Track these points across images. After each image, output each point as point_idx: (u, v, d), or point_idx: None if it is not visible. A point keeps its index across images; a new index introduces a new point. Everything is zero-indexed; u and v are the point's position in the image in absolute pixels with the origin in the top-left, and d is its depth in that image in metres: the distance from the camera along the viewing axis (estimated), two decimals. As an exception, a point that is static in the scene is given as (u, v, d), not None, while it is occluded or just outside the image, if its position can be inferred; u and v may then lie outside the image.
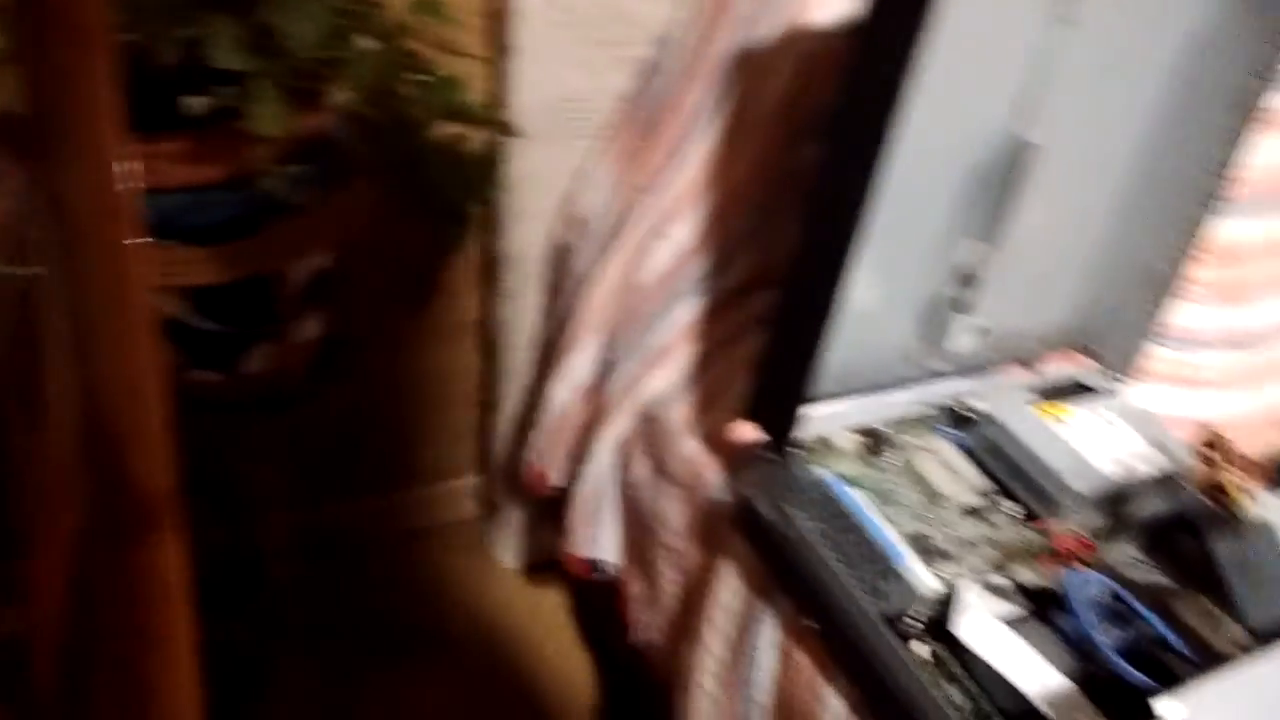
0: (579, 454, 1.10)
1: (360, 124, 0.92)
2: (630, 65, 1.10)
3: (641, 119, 1.06)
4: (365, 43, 0.88)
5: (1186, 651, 0.64)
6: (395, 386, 1.34)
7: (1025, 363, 0.92)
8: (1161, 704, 0.51)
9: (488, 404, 1.38)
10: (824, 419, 0.79)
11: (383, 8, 0.90)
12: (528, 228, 1.17)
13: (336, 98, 0.88)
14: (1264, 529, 0.59)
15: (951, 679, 0.66)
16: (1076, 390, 0.86)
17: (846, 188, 0.65)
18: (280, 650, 1.30)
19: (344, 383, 1.18)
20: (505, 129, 1.03)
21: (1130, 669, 0.60)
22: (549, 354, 1.18)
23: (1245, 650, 0.63)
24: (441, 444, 1.43)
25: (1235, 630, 0.65)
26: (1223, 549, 0.61)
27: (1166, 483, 0.77)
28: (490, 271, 1.24)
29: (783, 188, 0.95)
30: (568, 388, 1.10)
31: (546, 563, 1.40)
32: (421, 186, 0.93)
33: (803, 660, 0.78)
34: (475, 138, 1.00)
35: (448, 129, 0.95)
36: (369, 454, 1.38)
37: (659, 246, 0.99)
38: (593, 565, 1.11)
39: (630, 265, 1.02)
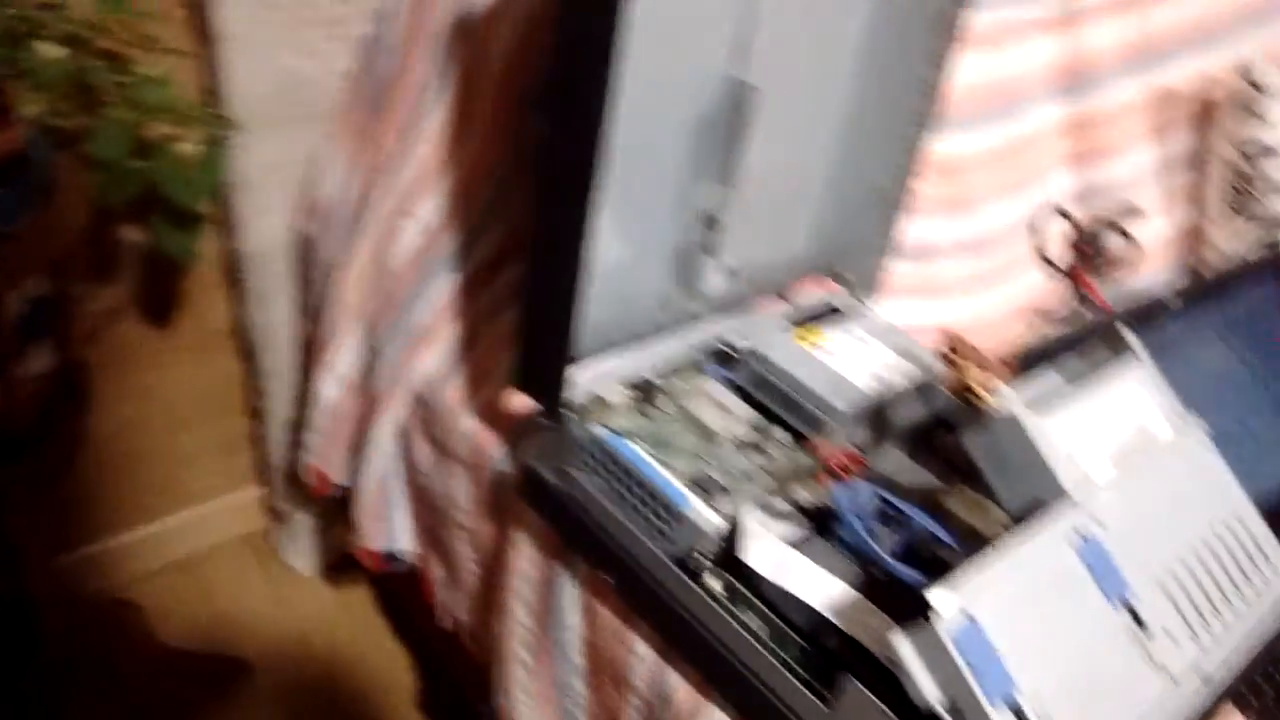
0: (357, 448, 1.07)
1: (60, 135, 0.85)
2: (351, 43, 1.06)
3: (369, 97, 1.02)
4: (50, 49, 0.81)
5: (957, 544, 0.68)
6: (154, 406, 1.26)
7: (780, 294, 0.95)
8: (933, 594, 0.54)
9: (257, 411, 1.32)
10: (593, 377, 0.79)
11: (64, 8, 0.83)
12: (268, 223, 1.12)
13: (27, 110, 0.81)
14: (1010, 420, 0.63)
15: (747, 606, 0.68)
16: (829, 314, 0.89)
17: (575, 147, 0.65)
18: (74, 702, 1.21)
19: (88, 413, 1.10)
20: (221, 122, 0.97)
21: (904, 569, 0.63)
22: (311, 351, 1.14)
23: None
24: (215, 459, 1.36)
25: (1002, 515, 0.70)
26: (975, 444, 0.65)
27: (920, 389, 0.82)
28: (235, 273, 1.18)
29: (520, 154, 0.94)
30: (335, 383, 1.06)
31: (344, 562, 1.36)
32: (137, 194, 0.87)
33: (606, 614, 0.78)
34: (192, 136, 0.94)
35: (160, 130, 0.89)
36: (138, 481, 1.30)
37: (406, 226, 0.96)
38: (389, 557, 1.09)
39: (379, 249, 0.99)
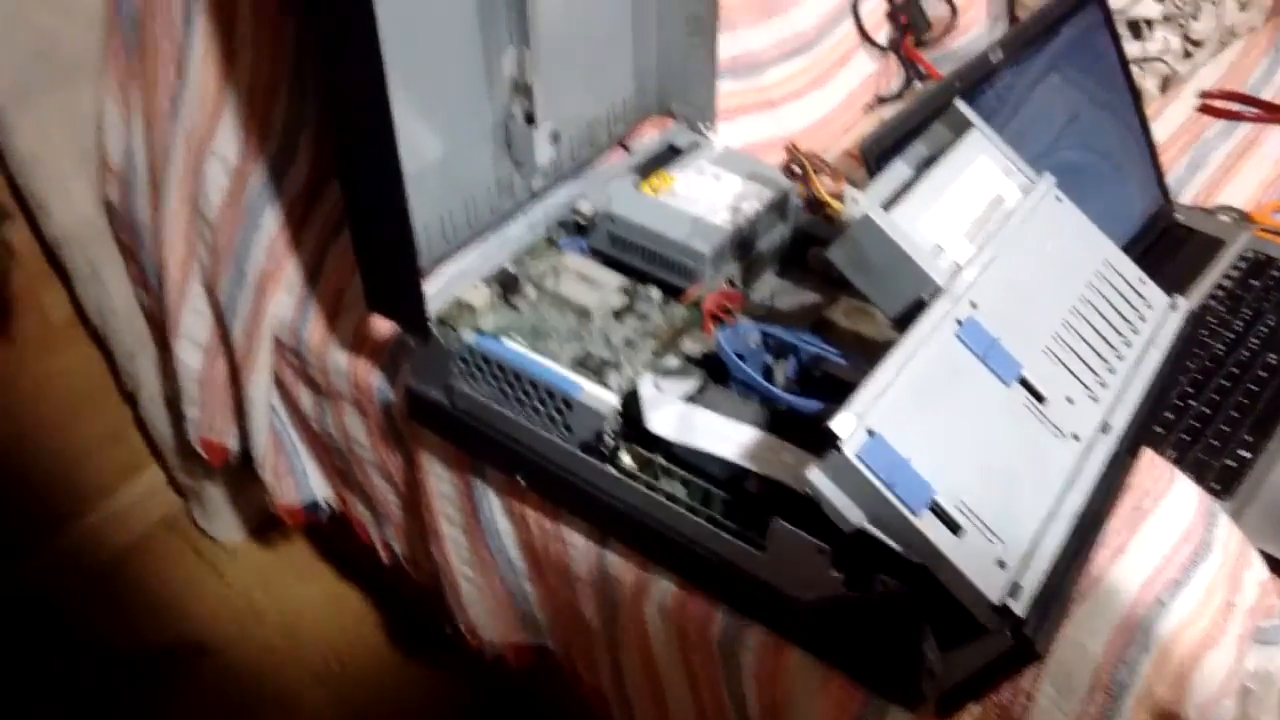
0: (239, 410, 1.02)
1: None
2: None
3: (129, 41, 0.93)
4: None
5: (848, 358, 0.67)
6: (21, 417, 1.19)
7: (623, 144, 0.91)
8: (832, 421, 0.53)
9: (129, 393, 1.26)
10: (450, 282, 0.76)
11: None
12: (68, 199, 1.03)
13: None
14: (865, 223, 0.61)
15: (663, 473, 0.67)
16: (672, 154, 0.86)
17: (350, 40, 0.59)
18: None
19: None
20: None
21: (799, 400, 0.63)
22: (159, 321, 1.08)
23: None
24: (106, 451, 1.31)
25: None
26: (838, 255, 0.63)
27: (777, 210, 0.80)
28: (54, 260, 1.10)
29: (301, 55, 0.87)
30: (193, 349, 1.01)
31: (270, 520, 1.33)
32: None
33: (532, 513, 0.78)
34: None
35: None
36: (32, 496, 1.24)
37: (211, 168, 0.89)
38: (310, 508, 1.06)
39: (192, 199, 0.92)
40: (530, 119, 0.79)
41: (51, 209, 1.03)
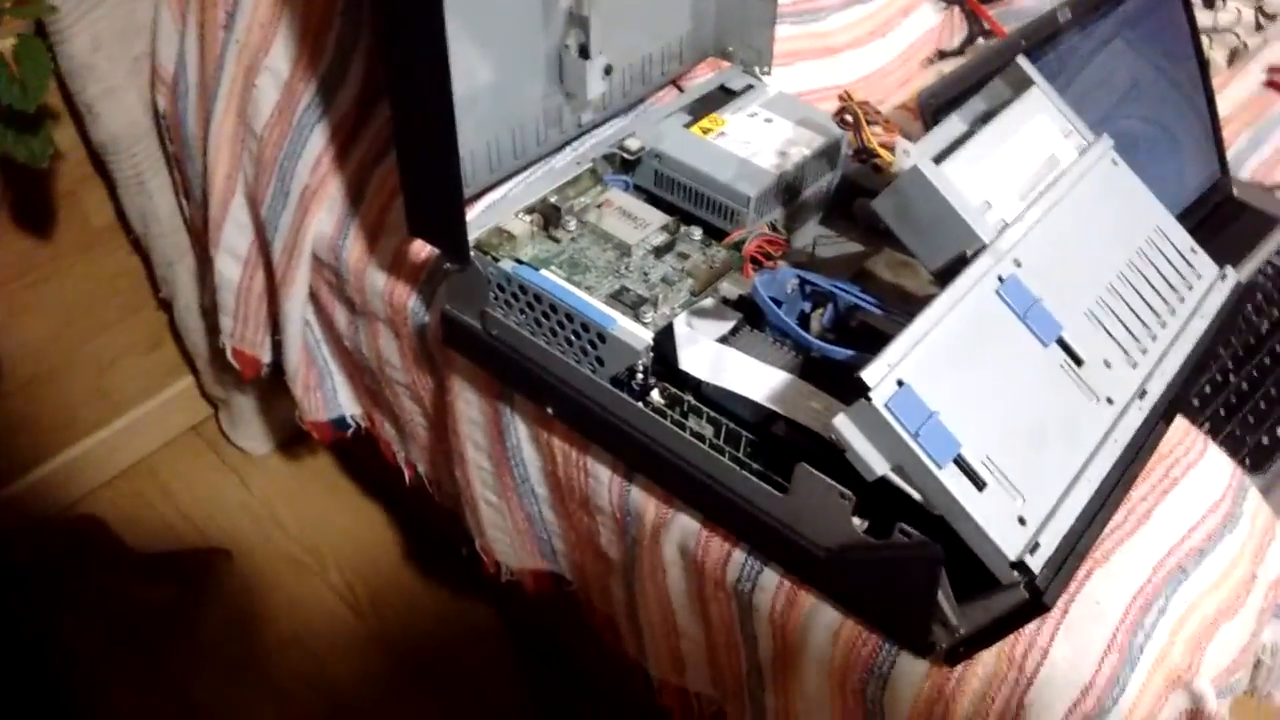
0: (274, 323, 1.03)
1: None
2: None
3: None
4: None
5: (886, 309, 0.67)
6: (57, 319, 1.21)
7: (676, 83, 0.90)
8: (864, 371, 0.53)
9: (164, 302, 1.27)
10: (492, 210, 0.76)
11: None
12: (117, 104, 1.04)
13: None
14: (913, 174, 0.61)
15: (691, 412, 0.67)
16: (724, 96, 0.85)
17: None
18: (60, 625, 1.22)
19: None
20: (31, 7, 0.88)
21: (831, 347, 0.62)
22: (201, 231, 1.08)
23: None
24: (138, 357, 1.33)
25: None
26: (883, 206, 0.63)
27: (825, 157, 0.79)
28: (100, 165, 1.11)
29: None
30: (232, 260, 1.02)
31: (298, 434, 1.35)
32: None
33: (559, 443, 0.78)
34: (7, 31, 0.85)
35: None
36: (63, 398, 1.26)
37: (262, 82, 0.89)
38: (337, 424, 1.07)
39: (241, 112, 0.92)
40: (584, 51, 0.78)
41: (100, 114, 1.04)
